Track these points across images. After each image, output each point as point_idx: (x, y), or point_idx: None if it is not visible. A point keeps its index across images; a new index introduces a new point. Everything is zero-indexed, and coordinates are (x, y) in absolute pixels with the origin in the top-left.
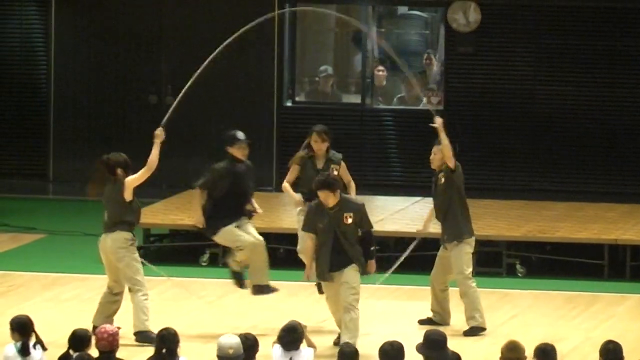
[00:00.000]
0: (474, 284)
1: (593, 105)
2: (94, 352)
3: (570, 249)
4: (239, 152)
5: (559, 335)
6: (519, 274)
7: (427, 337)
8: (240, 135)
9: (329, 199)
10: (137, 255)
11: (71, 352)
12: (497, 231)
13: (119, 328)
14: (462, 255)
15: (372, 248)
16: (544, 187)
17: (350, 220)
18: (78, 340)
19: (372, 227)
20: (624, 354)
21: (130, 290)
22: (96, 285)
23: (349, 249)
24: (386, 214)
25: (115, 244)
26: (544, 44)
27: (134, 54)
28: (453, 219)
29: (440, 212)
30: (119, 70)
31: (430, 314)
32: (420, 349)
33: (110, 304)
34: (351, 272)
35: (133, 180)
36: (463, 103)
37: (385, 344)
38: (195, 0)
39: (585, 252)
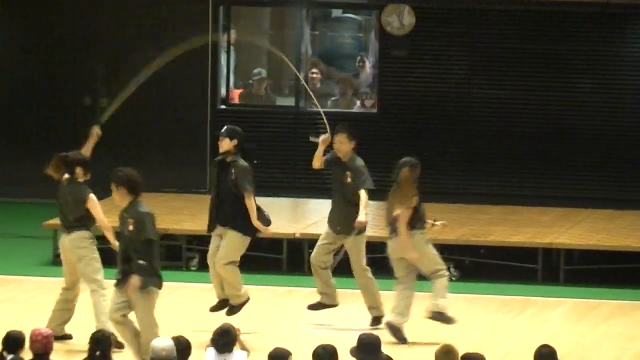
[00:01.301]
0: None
1: (527, 109)
2: (28, 354)
3: (505, 253)
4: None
5: (493, 340)
6: (453, 278)
7: (361, 340)
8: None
9: None
10: (97, 254)
11: (5, 354)
12: (430, 234)
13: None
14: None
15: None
16: (479, 191)
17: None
18: (12, 341)
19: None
20: (559, 357)
21: (90, 290)
22: (31, 287)
23: None
24: (319, 216)
25: (74, 243)
26: (478, 47)
27: (68, 55)
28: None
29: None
30: (53, 72)
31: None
32: (354, 352)
33: (63, 312)
34: None
35: (96, 211)
36: (397, 106)
37: (318, 347)
38: (125, 4)
39: (519, 256)
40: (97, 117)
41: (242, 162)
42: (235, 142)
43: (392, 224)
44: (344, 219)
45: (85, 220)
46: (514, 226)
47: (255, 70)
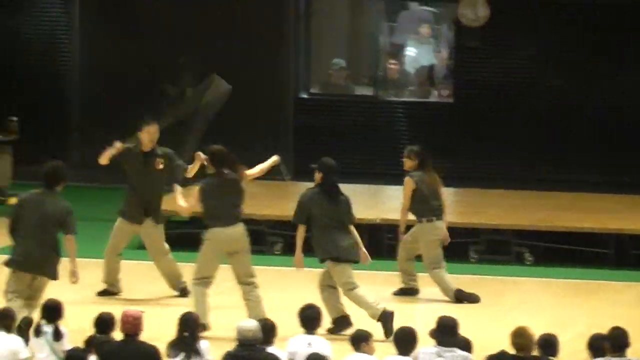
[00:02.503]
0: None
1: (594, 97)
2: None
3: (576, 238)
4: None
5: (564, 322)
6: (527, 262)
7: (440, 322)
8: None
9: None
10: None
11: (97, 334)
12: (505, 220)
13: (142, 312)
14: None
15: None
16: (548, 177)
17: None
18: (103, 323)
19: None
20: (630, 339)
21: (250, 284)
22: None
23: None
24: (397, 202)
25: (245, 235)
26: (548, 38)
27: (158, 47)
28: None
29: None
30: (140, 65)
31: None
32: (434, 333)
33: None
34: None
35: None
36: (472, 95)
37: (397, 329)
38: (212, 1)
39: (590, 242)
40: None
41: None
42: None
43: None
44: None
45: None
46: (585, 212)
47: (335, 60)
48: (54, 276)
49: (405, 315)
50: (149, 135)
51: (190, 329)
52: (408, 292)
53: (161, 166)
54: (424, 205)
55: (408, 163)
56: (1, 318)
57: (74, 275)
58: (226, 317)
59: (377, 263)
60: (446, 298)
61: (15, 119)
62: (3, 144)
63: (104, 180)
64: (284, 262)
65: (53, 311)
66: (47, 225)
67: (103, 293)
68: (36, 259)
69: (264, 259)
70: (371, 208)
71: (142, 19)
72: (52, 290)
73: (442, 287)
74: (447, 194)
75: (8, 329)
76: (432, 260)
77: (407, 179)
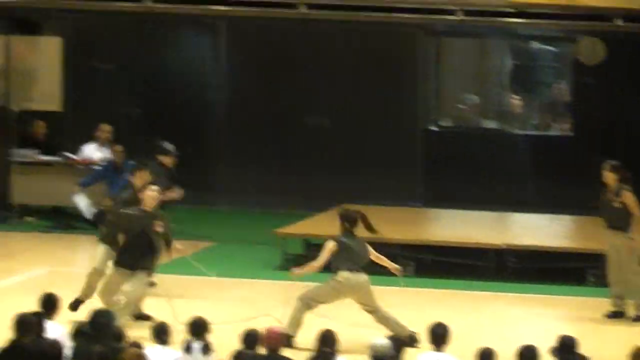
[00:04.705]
0: None
1: None
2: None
3: None
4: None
5: None
6: None
7: (561, 340)
8: None
9: None
10: None
11: (244, 350)
12: None
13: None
14: None
15: None
16: None
17: None
18: (250, 338)
19: None
20: None
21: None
22: (261, 289)
23: None
24: (522, 229)
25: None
26: None
27: (293, 78)
28: None
29: None
30: (280, 93)
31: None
32: (555, 352)
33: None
34: None
35: None
36: (590, 130)
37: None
38: (348, 33)
39: None
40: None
41: None
42: None
43: None
44: None
45: None
46: None
47: (468, 96)
48: None
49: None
50: None
51: (329, 345)
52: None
53: None
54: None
55: (610, 177)
56: (158, 333)
57: None
58: (361, 334)
59: (501, 285)
60: None
61: None
62: None
63: (246, 205)
64: (415, 283)
65: (200, 327)
66: None
67: None
68: None
69: (396, 281)
70: (498, 233)
71: (283, 52)
72: (196, 308)
73: None
74: (568, 221)
75: (164, 343)
76: None
77: (629, 193)
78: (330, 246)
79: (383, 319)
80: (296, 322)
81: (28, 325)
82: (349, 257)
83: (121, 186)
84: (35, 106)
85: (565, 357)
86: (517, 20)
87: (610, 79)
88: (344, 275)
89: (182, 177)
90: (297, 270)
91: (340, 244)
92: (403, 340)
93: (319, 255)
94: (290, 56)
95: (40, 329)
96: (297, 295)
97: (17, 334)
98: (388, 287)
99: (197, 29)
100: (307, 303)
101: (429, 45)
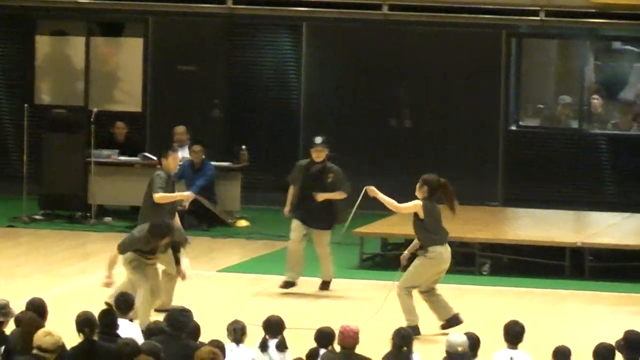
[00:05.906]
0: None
1: None
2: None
3: None
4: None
5: None
6: None
7: (629, 337)
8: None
9: None
10: None
11: (318, 347)
12: None
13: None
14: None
15: None
16: None
17: None
18: (324, 337)
19: None
20: None
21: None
22: (341, 287)
23: None
24: (600, 228)
25: None
26: None
27: (374, 80)
28: None
29: None
30: (361, 94)
31: None
32: (621, 348)
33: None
34: None
35: None
36: None
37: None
38: (430, 35)
39: None
40: None
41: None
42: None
43: None
44: None
45: None
46: None
47: (561, 97)
48: None
49: None
50: None
51: (407, 344)
52: None
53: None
54: None
55: None
56: (233, 331)
57: None
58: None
59: (577, 284)
60: None
61: (244, 147)
62: (234, 170)
63: None
64: (491, 282)
65: (276, 325)
66: None
67: None
68: None
69: (473, 279)
70: (575, 232)
71: (365, 53)
72: (270, 308)
73: None
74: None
75: (238, 342)
76: None
77: None
78: (416, 202)
79: (436, 301)
80: (411, 309)
81: (103, 323)
82: (436, 228)
83: (198, 185)
84: (116, 107)
85: (633, 355)
86: (599, 21)
87: None
88: (436, 249)
89: (261, 177)
90: (374, 189)
91: (428, 205)
92: (477, 338)
93: (404, 204)
94: (371, 58)
95: (114, 327)
96: (396, 289)
97: (91, 332)
98: (465, 286)
99: (279, 30)
100: (407, 290)
101: (512, 46)
